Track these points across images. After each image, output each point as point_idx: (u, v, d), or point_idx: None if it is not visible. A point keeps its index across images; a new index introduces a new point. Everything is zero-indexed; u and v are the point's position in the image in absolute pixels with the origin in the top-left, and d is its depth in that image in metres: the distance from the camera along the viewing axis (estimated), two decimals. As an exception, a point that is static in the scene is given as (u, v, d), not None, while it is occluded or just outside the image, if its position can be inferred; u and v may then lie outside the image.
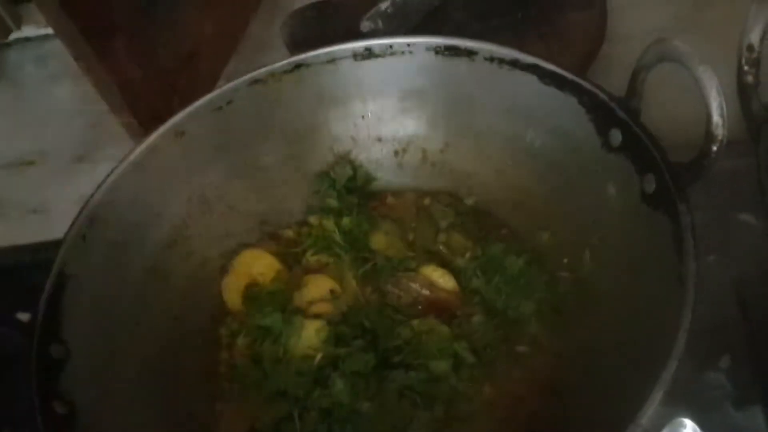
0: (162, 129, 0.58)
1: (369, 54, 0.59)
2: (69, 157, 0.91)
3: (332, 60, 0.60)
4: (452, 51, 0.57)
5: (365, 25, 0.69)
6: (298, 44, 0.74)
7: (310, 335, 0.54)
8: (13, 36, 1.08)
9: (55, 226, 0.81)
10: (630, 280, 0.49)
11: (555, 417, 0.49)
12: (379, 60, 0.60)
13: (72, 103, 0.99)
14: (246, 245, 0.61)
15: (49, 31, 1.08)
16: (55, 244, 0.79)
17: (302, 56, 0.60)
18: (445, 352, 0.52)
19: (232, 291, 0.59)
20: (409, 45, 0.59)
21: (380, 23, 0.68)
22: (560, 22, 0.69)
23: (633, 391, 0.39)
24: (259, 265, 0.60)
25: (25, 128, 0.97)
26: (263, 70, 0.60)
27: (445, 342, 0.53)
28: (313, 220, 0.62)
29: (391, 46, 0.59)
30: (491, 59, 0.56)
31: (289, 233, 0.63)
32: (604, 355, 0.48)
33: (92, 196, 0.55)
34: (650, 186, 0.47)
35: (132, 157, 0.57)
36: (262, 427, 0.51)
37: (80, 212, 0.54)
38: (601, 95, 0.51)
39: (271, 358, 0.54)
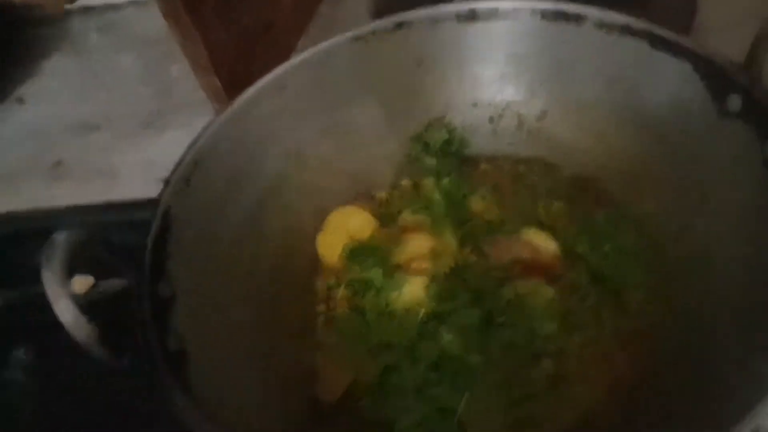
0: (264, 81, 0.58)
1: (472, 16, 0.59)
2: (135, 123, 0.91)
3: (435, 21, 0.60)
4: (559, 16, 0.57)
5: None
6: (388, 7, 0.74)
7: (412, 290, 0.54)
8: (77, 4, 1.09)
9: (122, 189, 0.83)
10: (749, 251, 0.48)
11: (656, 394, 0.48)
12: (482, 23, 0.59)
13: (136, 71, 0.99)
14: (339, 203, 0.61)
15: (114, 0, 1.10)
16: (123, 206, 0.81)
17: (405, 15, 0.60)
18: (550, 313, 0.52)
19: (327, 247, 0.59)
20: (515, 9, 0.58)
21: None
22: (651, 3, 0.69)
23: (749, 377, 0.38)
24: (354, 222, 0.59)
25: (90, 94, 0.97)
26: (366, 27, 0.60)
27: (552, 304, 0.52)
28: (405, 183, 0.62)
29: (496, 10, 0.59)
30: (600, 25, 0.56)
31: (382, 194, 0.62)
32: (714, 332, 0.47)
33: (196, 140, 0.54)
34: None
35: (235, 106, 0.56)
36: (366, 378, 0.51)
37: (184, 156, 0.53)
38: (720, 61, 0.51)
39: (374, 310, 0.53)
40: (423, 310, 0.53)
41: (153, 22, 1.05)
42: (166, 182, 0.52)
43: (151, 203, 0.50)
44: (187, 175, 0.53)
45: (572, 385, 0.50)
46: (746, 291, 0.46)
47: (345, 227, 0.59)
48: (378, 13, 0.74)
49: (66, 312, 0.41)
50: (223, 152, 0.55)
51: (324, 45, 0.59)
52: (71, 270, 0.44)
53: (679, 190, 0.54)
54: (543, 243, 0.56)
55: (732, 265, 0.48)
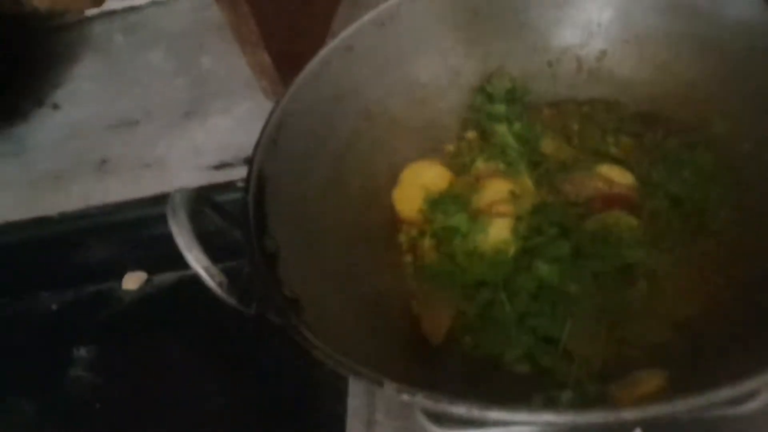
0: (333, 44, 0.59)
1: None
2: (176, 114, 0.92)
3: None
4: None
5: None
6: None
7: (498, 231, 0.55)
8: (97, 9, 1.09)
9: (172, 179, 0.84)
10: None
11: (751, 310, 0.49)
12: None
13: (168, 66, 1.00)
14: (410, 160, 0.62)
15: (134, 2, 1.11)
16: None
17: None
18: (637, 241, 0.53)
19: (404, 201, 0.60)
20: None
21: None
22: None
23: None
24: (428, 175, 0.60)
25: (125, 91, 0.98)
26: (421, -18, 0.61)
27: (636, 231, 0.54)
28: (470, 134, 0.63)
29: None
30: (655, -44, 0.57)
31: (450, 147, 0.64)
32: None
33: (278, 104, 0.55)
34: None
35: (309, 69, 0.58)
36: (466, 317, 0.52)
37: (269, 118, 0.55)
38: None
39: (464, 253, 0.54)
40: (513, 248, 0.54)
41: (176, 18, 1.07)
42: (257, 144, 0.53)
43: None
44: (274, 136, 0.54)
45: (667, 302, 0.51)
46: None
47: (420, 181, 0.60)
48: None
49: (199, 261, 0.42)
50: (303, 113, 0.56)
51: (387, 4, 0.60)
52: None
53: (749, 108, 0.55)
54: (618, 175, 0.57)
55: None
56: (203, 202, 0.47)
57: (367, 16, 0.60)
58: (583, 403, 0.44)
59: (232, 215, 0.50)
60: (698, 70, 0.58)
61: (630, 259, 0.52)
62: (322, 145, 0.58)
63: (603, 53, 0.63)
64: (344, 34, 0.59)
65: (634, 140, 0.59)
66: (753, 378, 0.35)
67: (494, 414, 0.36)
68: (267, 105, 0.76)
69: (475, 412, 0.36)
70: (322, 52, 0.58)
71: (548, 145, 0.60)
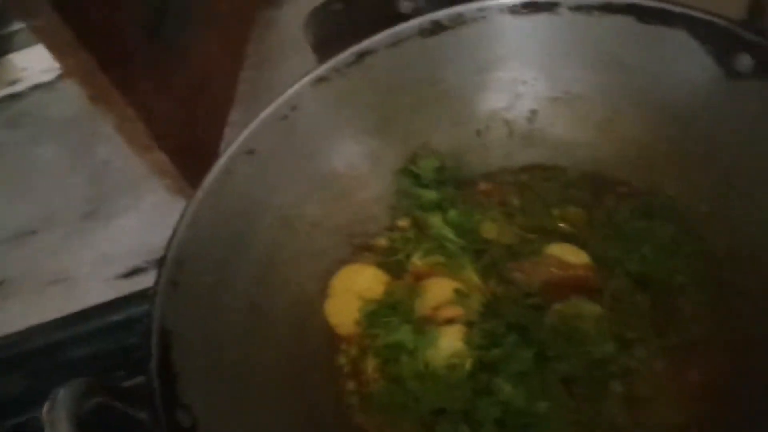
0: (231, 150, 0.51)
1: (436, 28, 0.54)
2: (76, 218, 0.82)
3: (397, 41, 0.54)
4: (531, 7, 0.53)
5: (405, 6, 0.63)
6: (326, 43, 0.68)
7: (449, 342, 0.48)
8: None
9: (83, 294, 0.75)
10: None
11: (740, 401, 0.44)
12: (449, 33, 0.54)
13: (61, 161, 0.90)
14: (341, 262, 0.55)
15: (15, 89, 1.00)
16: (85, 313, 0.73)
17: (364, 44, 0.54)
18: (603, 332, 0.47)
19: (338, 314, 0.53)
20: (480, 9, 0.53)
21: (421, 0, 0.63)
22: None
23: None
24: (362, 280, 0.53)
25: (15, 197, 0.88)
26: (324, 67, 0.54)
27: (601, 322, 0.48)
28: (402, 222, 0.57)
29: (460, 15, 0.54)
30: (577, 8, 0.52)
31: (381, 241, 0.57)
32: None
33: (173, 235, 0.47)
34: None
35: (206, 185, 0.50)
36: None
37: (164, 257, 0.47)
38: (720, 22, 0.47)
39: (414, 376, 0.47)
40: (468, 361, 0.47)
41: (64, 104, 0.97)
42: (153, 293, 0.45)
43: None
44: (174, 277, 0.46)
45: (648, 405, 0.45)
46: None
47: (354, 288, 0.53)
48: (321, 44, 0.68)
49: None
50: (206, 240, 0.49)
51: (285, 96, 0.53)
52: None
53: (700, 167, 0.50)
54: (571, 255, 0.51)
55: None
56: (96, 392, 0.38)
57: (266, 112, 0.53)
58: None
59: (134, 394, 0.42)
60: (642, 129, 0.53)
61: (599, 355, 0.46)
62: (236, 272, 0.50)
63: (533, 113, 0.57)
64: (242, 136, 0.52)
65: (583, 211, 0.53)
66: None
67: None
68: (175, 197, 0.69)
69: None
70: (221, 162, 0.51)
71: (490, 230, 0.54)
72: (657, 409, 0.45)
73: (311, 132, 0.55)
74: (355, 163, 0.57)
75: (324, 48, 0.67)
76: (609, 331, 0.47)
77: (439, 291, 0.51)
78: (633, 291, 0.49)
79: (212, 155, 0.70)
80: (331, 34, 0.68)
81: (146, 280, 0.70)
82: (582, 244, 0.52)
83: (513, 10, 0.53)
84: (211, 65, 0.75)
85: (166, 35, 0.68)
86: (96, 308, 0.73)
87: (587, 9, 0.51)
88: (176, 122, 0.67)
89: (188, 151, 0.68)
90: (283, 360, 0.50)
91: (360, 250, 0.56)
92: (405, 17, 0.58)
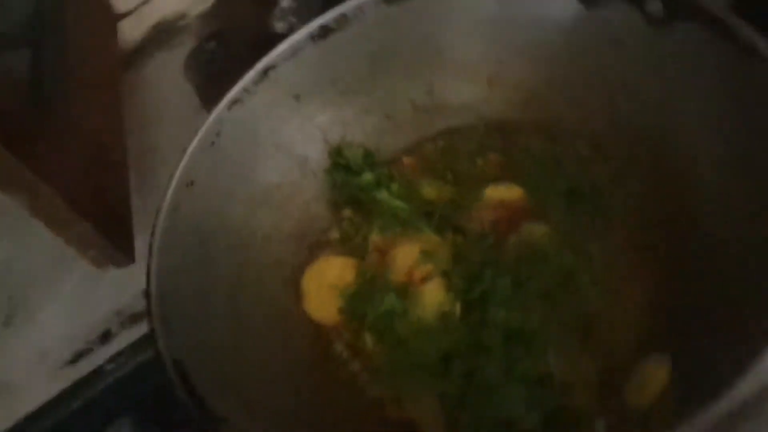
0: (172, 186, 0.52)
1: (325, 31, 0.59)
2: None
3: (296, 51, 0.58)
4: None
5: (279, 27, 0.67)
6: (209, 80, 0.71)
7: (434, 296, 0.52)
8: None
9: (27, 396, 0.70)
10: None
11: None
12: (338, 34, 0.59)
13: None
14: (302, 265, 0.57)
15: None
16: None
17: (267, 59, 0.57)
18: (559, 245, 0.53)
19: (320, 309, 0.55)
20: (359, 6, 0.58)
21: (292, 18, 0.67)
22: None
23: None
24: (331, 272, 0.56)
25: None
26: (236, 90, 0.57)
27: (552, 237, 0.53)
28: (346, 212, 0.60)
29: (344, 15, 0.58)
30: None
31: (334, 234, 0.59)
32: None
33: (149, 276, 0.48)
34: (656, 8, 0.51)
35: (159, 227, 0.51)
36: (454, 400, 0.48)
37: (149, 298, 0.47)
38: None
39: (414, 334, 0.50)
40: (457, 305, 0.51)
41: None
42: (150, 331, 0.45)
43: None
44: (166, 315, 0.46)
45: (622, 295, 0.51)
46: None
47: (326, 283, 0.55)
48: (203, 83, 0.71)
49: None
50: (178, 275, 0.49)
51: (208, 123, 0.55)
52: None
53: (588, 94, 0.57)
54: (506, 192, 0.57)
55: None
56: None
57: (195, 143, 0.54)
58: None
59: None
60: (527, 73, 0.59)
61: (564, 266, 0.52)
62: (212, 299, 0.51)
63: (431, 85, 0.62)
64: (179, 170, 0.53)
65: (501, 154, 0.59)
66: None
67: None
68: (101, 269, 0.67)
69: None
70: (167, 200, 0.51)
71: (430, 192, 0.58)
72: (627, 294, 0.51)
73: (239, 152, 0.57)
74: (287, 171, 0.59)
75: (208, 87, 0.70)
76: (561, 243, 0.53)
77: (406, 257, 0.54)
78: (569, 206, 0.55)
79: (128, 219, 0.71)
80: (211, 73, 0.71)
81: (97, 358, 0.68)
82: (511, 180, 0.57)
83: (389, 0, 0.58)
84: (98, 129, 0.74)
85: (48, 102, 0.67)
86: (43, 408, 0.69)
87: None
88: (86, 192, 0.66)
89: (106, 219, 0.67)
90: (283, 372, 0.51)
91: (317, 249, 0.58)
92: (282, 36, 0.62)
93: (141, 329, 0.69)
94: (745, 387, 0.34)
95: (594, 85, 0.57)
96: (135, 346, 0.67)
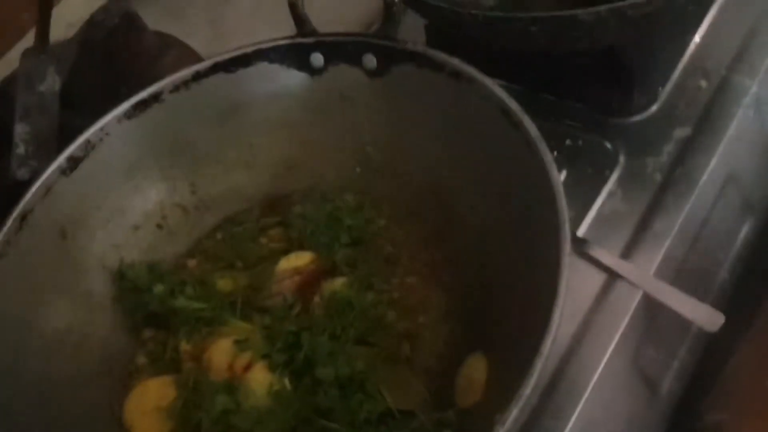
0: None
1: (74, 162, 0.58)
2: None
3: (47, 191, 0.56)
4: (140, 107, 0.59)
5: (22, 174, 0.64)
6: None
7: (260, 380, 0.52)
8: None
9: None
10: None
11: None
12: (88, 161, 0.58)
13: None
14: (120, 399, 0.55)
15: None
16: None
17: (22, 206, 0.55)
18: (360, 289, 0.56)
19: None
20: (101, 129, 0.58)
21: (32, 162, 0.65)
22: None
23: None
24: (150, 396, 0.54)
25: None
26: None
27: (352, 284, 0.57)
28: (147, 333, 0.59)
29: (89, 141, 0.58)
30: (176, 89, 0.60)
31: (141, 359, 0.58)
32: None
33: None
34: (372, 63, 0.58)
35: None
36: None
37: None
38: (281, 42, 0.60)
39: (255, 420, 0.50)
40: (286, 381, 0.52)
41: None
42: None
43: None
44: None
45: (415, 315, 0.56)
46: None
47: (149, 409, 0.54)
48: None
49: None
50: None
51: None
52: None
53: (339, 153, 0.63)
54: (296, 260, 0.59)
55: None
56: None
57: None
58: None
59: None
60: (283, 149, 0.64)
61: (369, 306, 0.55)
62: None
63: (192, 185, 0.63)
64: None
65: (281, 227, 0.62)
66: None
67: None
68: None
69: None
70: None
71: (225, 284, 0.59)
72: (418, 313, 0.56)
73: (15, 303, 0.53)
74: (71, 313, 0.56)
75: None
76: (359, 287, 0.56)
77: (222, 353, 0.54)
78: (353, 254, 0.59)
79: None
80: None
81: None
82: (298, 248, 0.60)
83: (127, 114, 0.59)
84: None
85: None
86: None
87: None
88: None
89: None
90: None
91: (128, 380, 0.56)
92: (26, 183, 0.59)
93: None
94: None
95: (345, 139, 0.62)
96: None
